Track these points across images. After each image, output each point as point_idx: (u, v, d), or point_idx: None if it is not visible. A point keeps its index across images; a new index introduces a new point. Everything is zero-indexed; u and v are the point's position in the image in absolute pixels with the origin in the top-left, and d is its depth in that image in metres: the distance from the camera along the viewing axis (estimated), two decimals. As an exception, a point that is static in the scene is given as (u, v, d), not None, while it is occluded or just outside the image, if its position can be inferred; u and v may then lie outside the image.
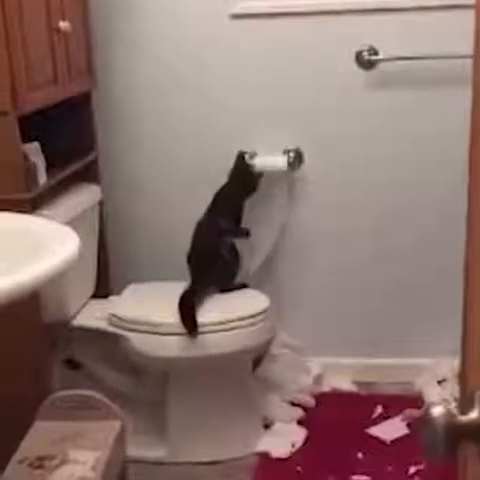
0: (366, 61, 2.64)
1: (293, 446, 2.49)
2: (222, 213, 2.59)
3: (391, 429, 2.55)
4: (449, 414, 0.73)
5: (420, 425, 0.75)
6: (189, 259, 2.59)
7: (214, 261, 2.56)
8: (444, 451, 0.74)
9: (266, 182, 2.70)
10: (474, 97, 0.86)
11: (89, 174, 2.64)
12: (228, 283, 2.56)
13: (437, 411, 0.74)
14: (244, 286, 2.59)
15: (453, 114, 2.61)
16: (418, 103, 2.67)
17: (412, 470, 2.33)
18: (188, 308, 2.36)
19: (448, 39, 2.55)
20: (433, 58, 2.58)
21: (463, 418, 0.74)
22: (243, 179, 2.64)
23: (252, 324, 2.37)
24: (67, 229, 1.63)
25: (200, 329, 2.32)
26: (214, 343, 2.33)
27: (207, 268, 2.55)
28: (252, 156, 2.74)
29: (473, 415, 0.74)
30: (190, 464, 2.41)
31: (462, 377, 0.93)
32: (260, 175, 2.66)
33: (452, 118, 2.61)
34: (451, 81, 2.61)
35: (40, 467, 1.90)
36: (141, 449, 2.40)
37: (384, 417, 2.62)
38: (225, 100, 2.74)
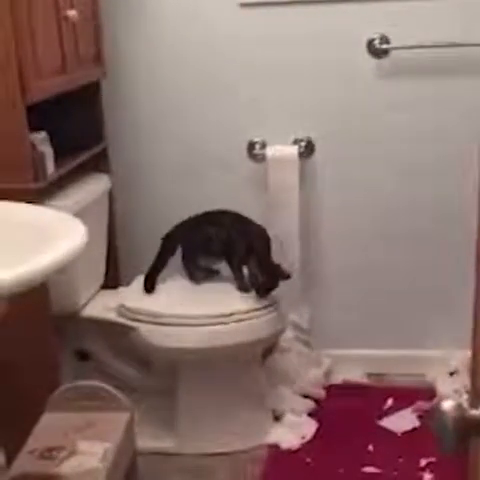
0: (378, 49, 2.61)
1: (303, 438, 2.47)
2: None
3: (402, 421, 2.54)
4: (459, 408, 0.71)
5: (431, 419, 0.74)
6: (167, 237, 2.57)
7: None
8: (454, 445, 0.72)
9: (278, 171, 2.68)
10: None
11: (98, 164, 2.63)
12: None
13: (447, 405, 0.72)
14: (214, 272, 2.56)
15: (466, 103, 2.58)
16: (430, 92, 2.64)
17: (423, 462, 2.31)
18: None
19: (461, 27, 2.53)
20: (445, 46, 2.55)
21: (473, 412, 0.72)
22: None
23: (262, 315, 2.36)
24: (73, 219, 1.61)
25: (209, 321, 2.30)
26: (223, 334, 2.31)
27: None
28: (262, 146, 2.73)
29: (483, 409, 0.73)
30: (199, 455, 2.40)
31: (472, 371, 0.91)
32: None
33: (465, 107, 2.59)
34: (464, 70, 2.58)
35: (49, 458, 1.90)
36: (150, 440, 2.39)
37: (395, 409, 2.61)
38: (235, 89, 2.72)
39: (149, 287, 2.51)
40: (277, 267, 2.39)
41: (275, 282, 2.37)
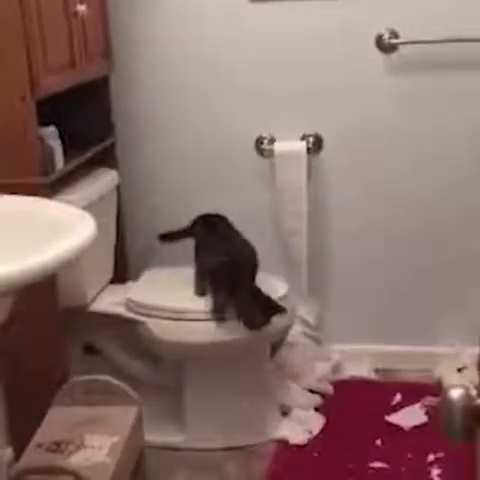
0: (386, 45, 2.60)
1: (311, 433, 2.47)
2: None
3: (410, 416, 2.53)
4: (467, 397, 0.71)
5: (439, 407, 0.74)
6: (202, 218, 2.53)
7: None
8: (462, 433, 0.72)
9: (286, 167, 2.68)
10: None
11: (107, 159, 2.64)
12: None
13: (456, 394, 0.72)
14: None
15: (475, 99, 2.58)
16: (439, 87, 2.63)
17: (431, 458, 2.31)
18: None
19: (470, 22, 2.52)
20: (454, 41, 2.54)
21: (481, 401, 0.72)
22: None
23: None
24: (83, 213, 1.62)
25: (217, 315, 2.31)
26: (231, 329, 2.31)
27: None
28: (270, 141, 2.72)
29: (491, 398, 0.73)
30: (207, 450, 2.40)
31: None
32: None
33: (474, 103, 2.58)
34: (473, 65, 2.57)
35: (57, 452, 1.91)
36: (158, 435, 2.39)
37: (403, 404, 2.60)
38: (244, 85, 2.72)
39: (164, 237, 2.60)
40: (270, 300, 2.27)
41: (269, 317, 2.25)
